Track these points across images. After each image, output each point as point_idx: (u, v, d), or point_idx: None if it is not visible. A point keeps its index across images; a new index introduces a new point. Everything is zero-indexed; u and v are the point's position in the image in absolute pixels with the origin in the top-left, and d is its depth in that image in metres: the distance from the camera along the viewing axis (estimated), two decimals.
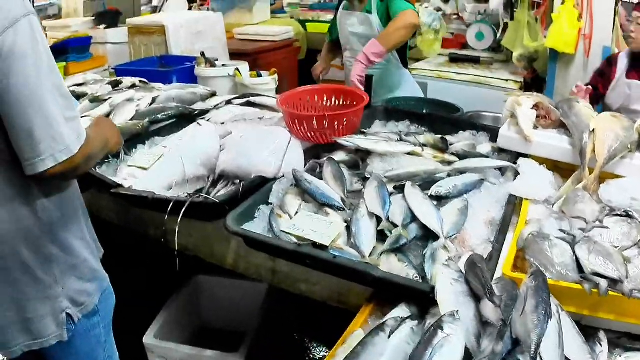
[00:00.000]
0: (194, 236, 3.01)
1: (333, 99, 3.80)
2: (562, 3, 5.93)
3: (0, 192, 2.07)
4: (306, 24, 9.84)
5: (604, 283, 2.06)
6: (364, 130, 3.53)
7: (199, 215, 2.84)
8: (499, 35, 7.69)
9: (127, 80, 4.63)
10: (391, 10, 4.73)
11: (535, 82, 6.68)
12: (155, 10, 9.92)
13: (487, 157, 3.27)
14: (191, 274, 4.13)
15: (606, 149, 3.00)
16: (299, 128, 3.34)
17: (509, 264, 2.25)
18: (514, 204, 2.76)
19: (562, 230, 2.44)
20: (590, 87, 4.25)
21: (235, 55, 6.86)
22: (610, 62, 4.84)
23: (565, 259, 2.22)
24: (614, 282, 2.09)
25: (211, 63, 5.21)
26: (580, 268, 2.18)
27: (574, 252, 2.26)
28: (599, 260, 2.18)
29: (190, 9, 10.17)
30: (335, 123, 3.31)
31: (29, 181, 2.07)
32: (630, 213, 2.59)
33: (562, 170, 3.16)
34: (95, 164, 2.67)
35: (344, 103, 3.76)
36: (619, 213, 2.61)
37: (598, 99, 4.69)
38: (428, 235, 2.45)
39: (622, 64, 4.72)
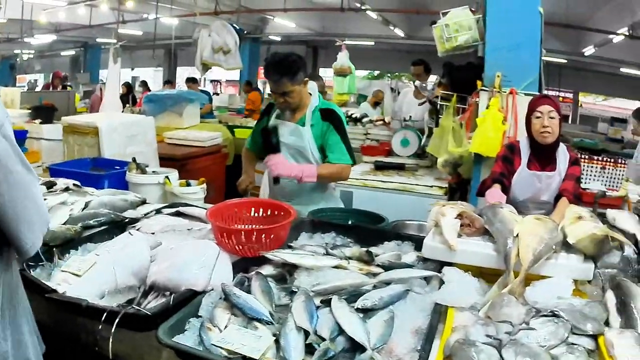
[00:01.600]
0: (125, 344, 2.97)
1: (261, 211, 3.86)
2: (487, 107, 6.10)
3: None
4: (234, 129, 9.92)
5: None
6: (291, 244, 3.58)
7: (131, 325, 2.82)
8: (423, 141, 7.86)
9: (61, 182, 4.62)
10: (330, 146, 4.97)
11: (460, 186, 6.80)
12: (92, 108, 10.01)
13: (412, 266, 3.34)
14: None
15: (530, 253, 3.09)
16: (227, 241, 3.36)
17: None
18: (439, 312, 2.80)
19: (489, 335, 2.49)
20: (502, 195, 4.42)
21: (164, 159, 6.98)
22: (512, 149, 4.95)
23: None
24: None
25: (142, 169, 5.24)
26: None
27: (501, 356, 2.32)
28: None
29: (123, 110, 10.25)
30: (263, 236, 3.36)
31: None
32: (556, 312, 2.66)
33: (488, 275, 3.22)
34: None
35: (272, 214, 3.82)
36: (545, 314, 2.69)
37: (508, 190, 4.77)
38: (356, 347, 2.46)
39: (525, 154, 4.84)
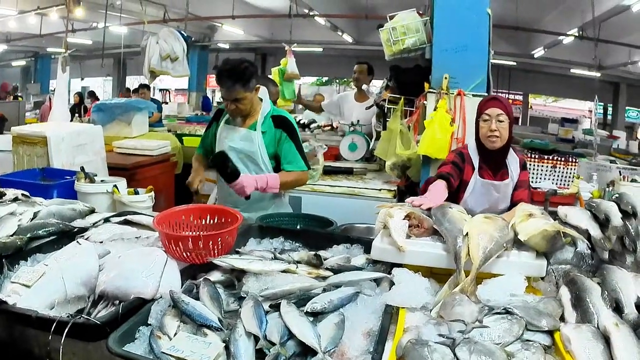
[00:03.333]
0: (78, 355, 2.92)
1: (208, 218, 3.81)
2: (434, 109, 6.07)
3: None
4: (183, 137, 9.90)
5: None
6: (239, 250, 3.53)
7: (81, 335, 2.75)
8: (371, 145, 7.84)
9: (10, 193, 4.52)
10: (285, 154, 4.99)
11: (409, 189, 6.77)
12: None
13: (361, 269, 3.30)
14: None
15: (481, 251, 3.06)
16: (174, 248, 3.31)
17: None
18: (390, 314, 2.77)
19: (441, 334, 2.45)
20: (444, 189, 4.29)
21: (113, 169, 6.89)
22: (462, 157, 4.80)
23: None
24: None
25: (90, 178, 5.17)
26: None
27: (454, 354, 2.28)
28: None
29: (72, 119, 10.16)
30: (210, 243, 3.31)
31: None
32: (510, 310, 2.63)
33: (438, 275, 3.20)
34: None
35: (219, 221, 3.77)
36: (498, 311, 2.66)
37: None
38: (307, 351, 2.43)
39: (475, 161, 4.75)
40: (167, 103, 26.03)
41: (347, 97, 9.44)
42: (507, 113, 4.60)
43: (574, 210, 3.57)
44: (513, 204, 4.59)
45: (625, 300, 2.74)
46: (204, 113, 16.05)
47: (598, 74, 21.54)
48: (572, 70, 23.97)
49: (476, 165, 4.72)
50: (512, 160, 4.80)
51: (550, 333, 2.58)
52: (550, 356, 2.45)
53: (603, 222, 3.37)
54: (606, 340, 2.45)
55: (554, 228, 3.22)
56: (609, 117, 28.90)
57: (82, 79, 32.91)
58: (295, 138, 5.07)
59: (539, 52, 22.37)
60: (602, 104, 27.05)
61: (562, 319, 2.75)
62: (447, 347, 2.33)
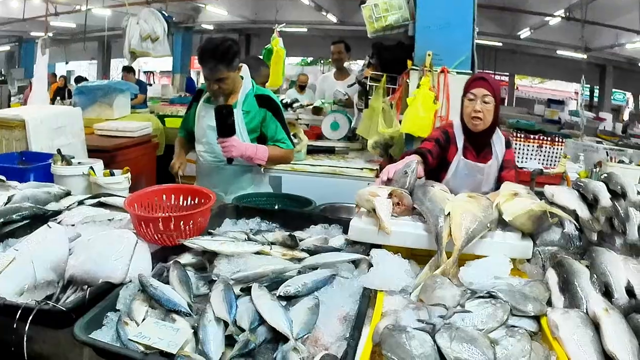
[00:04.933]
0: (48, 343, 2.83)
1: (181, 199, 3.71)
2: (417, 87, 6.01)
3: None
4: (165, 119, 9.83)
5: None
6: (211, 231, 3.43)
7: (48, 322, 2.67)
8: (353, 123, 7.75)
9: None
10: (271, 133, 4.98)
11: None
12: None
13: (339, 250, 3.20)
14: None
15: (463, 232, 2.97)
16: (145, 230, 3.21)
17: None
18: (368, 297, 2.67)
19: (420, 320, 2.34)
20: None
21: (95, 151, 6.79)
22: (447, 136, 4.63)
23: (426, 349, 2.11)
24: None
25: (67, 161, 5.06)
26: (443, 358, 2.09)
27: (434, 341, 2.15)
28: (463, 347, 2.10)
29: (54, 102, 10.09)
30: (182, 224, 3.21)
31: None
32: (493, 293, 2.53)
33: (419, 257, 3.11)
34: None
35: (194, 202, 3.68)
36: (481, 295, 2.55)
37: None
38: (278, 338, 2.34)
39: (459, 141, 4.61)
40: (150, 85, 25.94)
41: (326, 78, 9.49)
42: (494, 94, 4.43)
43: (561, 190, 3.46)
44: (500, 184, 4.27)
45: (615, 285, 2.65)
46: (188, 94, 15.93)
47: (584, 56, 21.55)
48: (558, 52, 23.99)
49: (460, 145, 4.59)
50: (497, 140, 4.67)
51: (536, 318, 2.49)
52: (537, 343, 2.33)
53: (591, 203, 3.28)
54: (596, 326, 2.35)
55: (540, 208, 3.12)
56: (596, 99, 28.96)
57: (67, 63, 32.82)
58: (280, 117, 5.08)
59: (525, 33, 22.39)
60: (588, 85, 27.10)
61: (549, 303, 2.66)
62: (427, 334, 2.20)
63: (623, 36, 19.94)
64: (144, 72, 36.19)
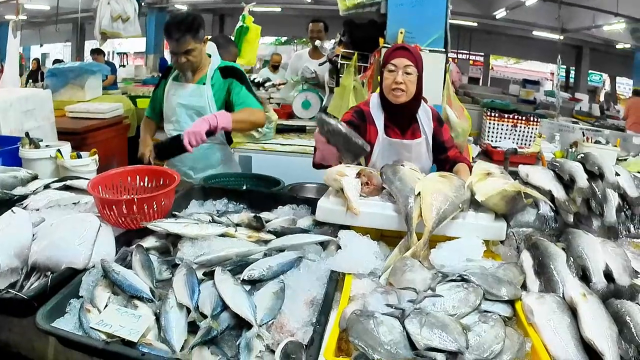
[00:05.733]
0: (14, 331, 2.80)
1: (146, 180, 3.64)
2: None
3: None
4: (137, 99, 9.80)
5: (440, 357, 1.95)
6: (176, 213, 3.36)
7: (11, 311, 2.65)
8: (324, 102, 7.70)
9: None
10: (236, 97, 4.91)
11: None
12: None
13: (307, 231, 3.15)
14: None
15: (434, 212, 2.91)
16: (109, 213, 3.13)
17: (331, 348, 2.09)
18: (336, 280, 2.62)
19: (389, 305, 2.26)
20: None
21: (66, 134, 6.71)
22: (362, 116, 4.29)
23: (395, 336, 2.05)
24: (453, 355, 1.98)
25: (35, 144, 4.96)
26: (413, 344, 2.02)
27: (404, 327, 2.09)
28: (434, 333, 2.04)
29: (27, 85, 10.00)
30: (145, 206, 3.14)
31: None
32: (465, 277, 2.46)
33: (388, 238, 3.06)
34: None
35: (159, 184, 3.60)
36: (453, 278, 2.48)
37: None
38: (242, 324, 2.28)
39: (379, 120, 4.28)
40: (124, 66, 25.79)
41: (300, 56, 9.38)
42: (417, 65, 4.12)
43: (535, 170, 3.39)
44: (451, 164, 4.31)
45: (593, 268, 2.61)
46: (161, 74, 15.92)
47: (561, 37, 21.57)
48: (534, 33, 24.04)
49: (380, 124, 4.27)
50: (424, 115, 4.36)
51: (510, 303, 2.43)
52: (511, 329, 2.26)
53: (567, 183, 3.23)
54: (573, 312, 2.29)
55: (514, 188, 3.04)
56: (572, 80, 29.05)
57: (41, 46, 32.60)
58: (245, 81, 5.05)
59: (500, 14, 22.38)
60: (564, 66, 27.18)
61: (524, 287, 2.61)
62: (396, 319, 2.14)
63: (600, 17, 19.99)
64: (118, 53, 36.04)
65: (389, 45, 5.72)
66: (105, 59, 17.19)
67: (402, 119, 4.31)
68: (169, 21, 4.82)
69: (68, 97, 9.04)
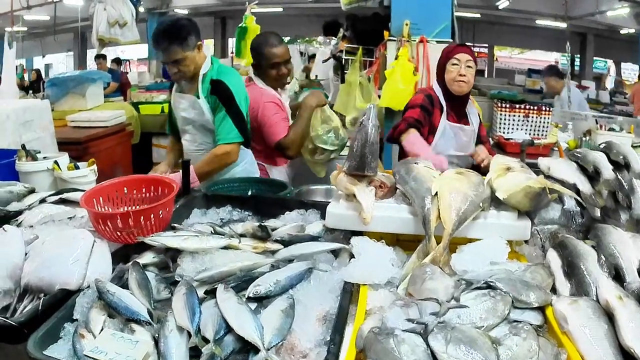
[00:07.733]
0: (9, 357, 2.59)
1: (143, 191, 3.45)
2: (396, 58, 5.89)
3: None
4: (139, 106, 9.67)
5: None
6: (175, 225, 3.16)
7: (2, 338, 2.44)
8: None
9: None
10: (217, 125, 4.69)
11: None
12: None
13: (317, 238, 2.96)
14: None
15: (454, 213, 2.72)
16: (104, 228, 2.95)
17: None
18: (350, 292, 2.44)
19: (410, 319, 2.06)
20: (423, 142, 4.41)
21: (67, 144, 6.66)
22: (431, 100, 4.81)
23: (418, 356, 1.86)
24: None
25: (32, 156, 4.81)
26: None
27: (427, 344, 1.89)
28: (461, 350, 1.85)
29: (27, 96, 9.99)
30: (142, 219, 2.95)
31: None
32: (491, 283, 2.26)
33: (405, 243, 2.89)
34: None
35: (157, 194, 3.41)
36: (478, 286, 2.28)
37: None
38: (249, 347, 2.08)
39: (444, 107, 4.77)
40: (127, 73, 25.84)
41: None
42: (474, 60, 4.77)
43: (558, 162, 3.19)
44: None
45: (627, 267, 2.42)
46: (164, 80, 15.79)
47: (565, 25, 21.46)
48: (537, 22, 23.99)
49: (445, 109, 4.77)
50: (472, 110, 5.00)
51: (540, 309, 2.24)
52: (544, 339, 2.07)
53: (592, 175, 3.02)
54: (608, 316, 2.10)
55: (538, 184, 2.84)
56: (577, 67, 28.96)
57: (44, 57, 32.64)
58: (227, 102, 4.71)
59: (503, 4, 22.29)
60: (568, 55, 27.16)
61: (553, 290, 2.42)
62: (418, 336, 1.94)
63: (604, 3, 19.85)
64: (122, 60, 36.23)
65: (394, 38, 5.78)
66: (109, 66, 17.09)
67: (459, 107, 4.91)
68: (155, 29, 4.64)
69: (69, 106, 9.02)
